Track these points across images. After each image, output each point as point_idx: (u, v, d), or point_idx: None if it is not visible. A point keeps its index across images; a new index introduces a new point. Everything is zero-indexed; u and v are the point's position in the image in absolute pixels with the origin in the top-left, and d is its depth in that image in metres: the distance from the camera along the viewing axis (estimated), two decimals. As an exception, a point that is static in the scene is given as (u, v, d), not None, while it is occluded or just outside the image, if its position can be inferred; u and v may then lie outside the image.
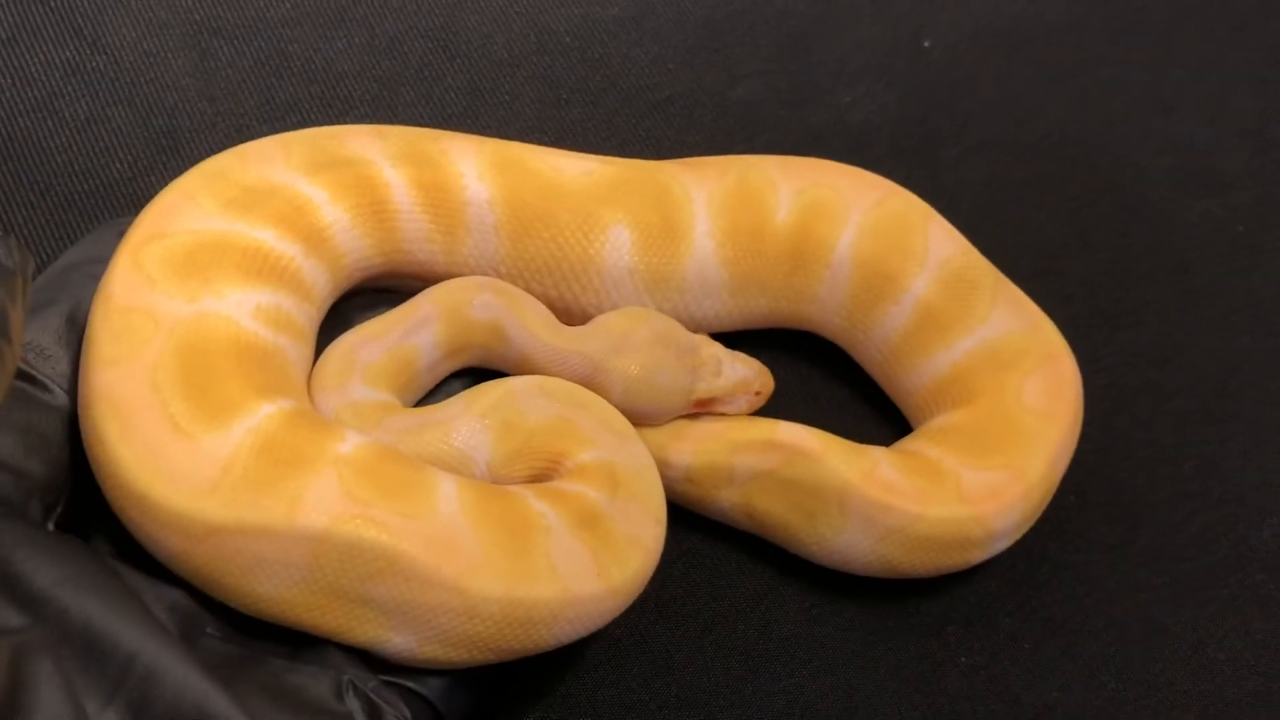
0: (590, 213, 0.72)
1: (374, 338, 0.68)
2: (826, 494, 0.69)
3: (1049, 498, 0.72)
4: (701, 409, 0.73)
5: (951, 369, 0.74)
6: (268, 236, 0.65)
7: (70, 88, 0.83)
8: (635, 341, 0.70)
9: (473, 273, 0.73)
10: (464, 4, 0.88)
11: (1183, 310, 0.85)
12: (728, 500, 0.72)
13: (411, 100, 0.86)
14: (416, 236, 0.72)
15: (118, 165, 0.81)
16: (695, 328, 0.76)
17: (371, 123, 0.84)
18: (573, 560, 0.58)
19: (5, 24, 0.83)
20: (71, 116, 0.82)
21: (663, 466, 0.70)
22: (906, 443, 0.74)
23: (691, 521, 0.74)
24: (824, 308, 0.78)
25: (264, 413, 0.58)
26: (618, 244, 0.73)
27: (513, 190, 0.71)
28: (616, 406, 0.70)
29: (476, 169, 0.71)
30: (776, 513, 0.71)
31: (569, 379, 0.69)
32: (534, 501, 0.60)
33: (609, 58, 0.88)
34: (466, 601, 0.56)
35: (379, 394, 0.66)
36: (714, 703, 0.70)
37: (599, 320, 0.72)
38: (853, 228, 0.75)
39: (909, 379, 0.76)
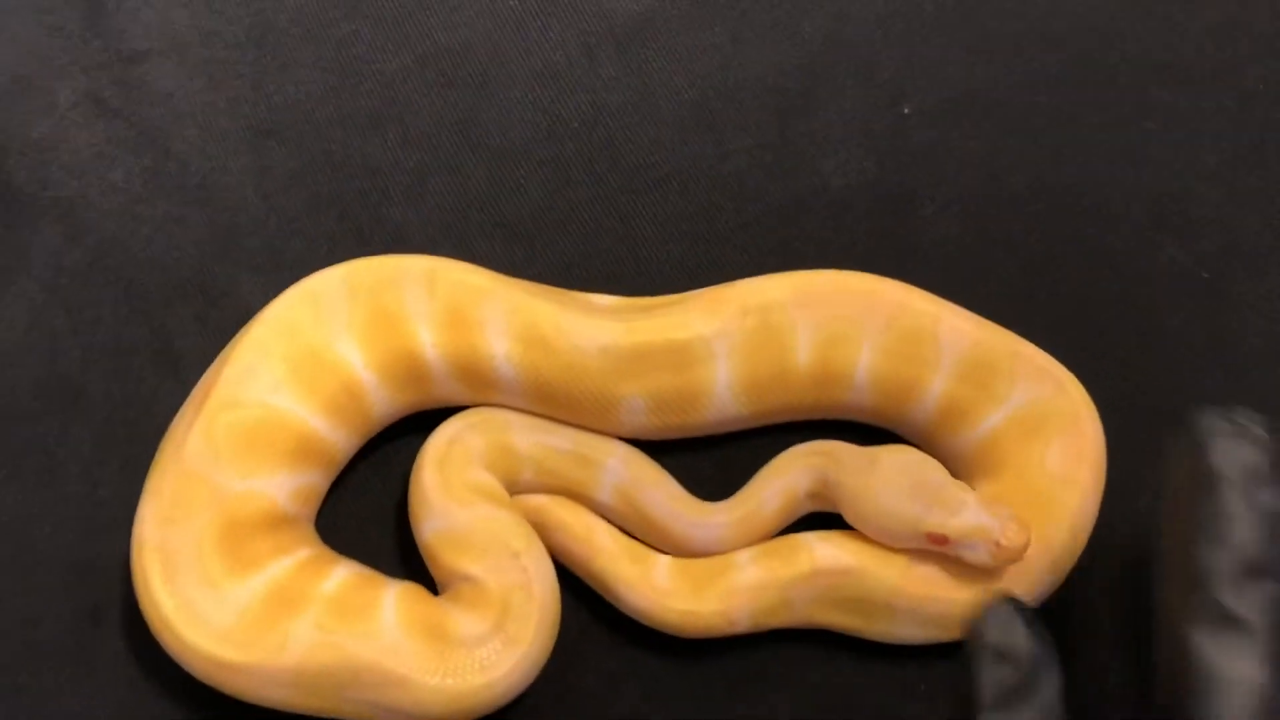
0: (607, 390, 0.80)
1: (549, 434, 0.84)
2: (876, 601, 0.77)
3: (1076, 557, 0.78)
4: (936, 545, 0.75)
5: (978, 445, 0.80)
6: (321, 426, 0.79)
7: (148, 192, 0.96)
8: (880, 465, 0.78)
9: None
10: (484, 99, 0.98)
11: (1145, 355, 0.90)
12: (793, 621, 0.80)
13: (439, 189, 0.96)
14: (450, 395, 0.84)
15: (189, 260, 0.94)
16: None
17: (404, 211, 0.95)
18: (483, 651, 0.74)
19: (95, 139, 0.97)
20: (150, 218, 0.95)
21: (728, 626, 0.79)
22: None
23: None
24: (851, 413, 0.85)
25: (280, 565, 0.76)
26: (633, 412, 0.81)
27: (536, 372, 0.80)
28: (856, 523, 0.79)
29: (506, 347, 0.80)
30: (836, 621, 0.79)
31: (805, 492, 0.81)
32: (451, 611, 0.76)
33: (612, 140, 0.97)
34: (415, 693, 0.72)
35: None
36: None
37: (856, 447, 0.81)
38: (867, 353, 0.81)
39: (942, 453, 0.83)
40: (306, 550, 0.79)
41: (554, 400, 0.82)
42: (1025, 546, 0.72)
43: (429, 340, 0.81)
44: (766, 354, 0.81)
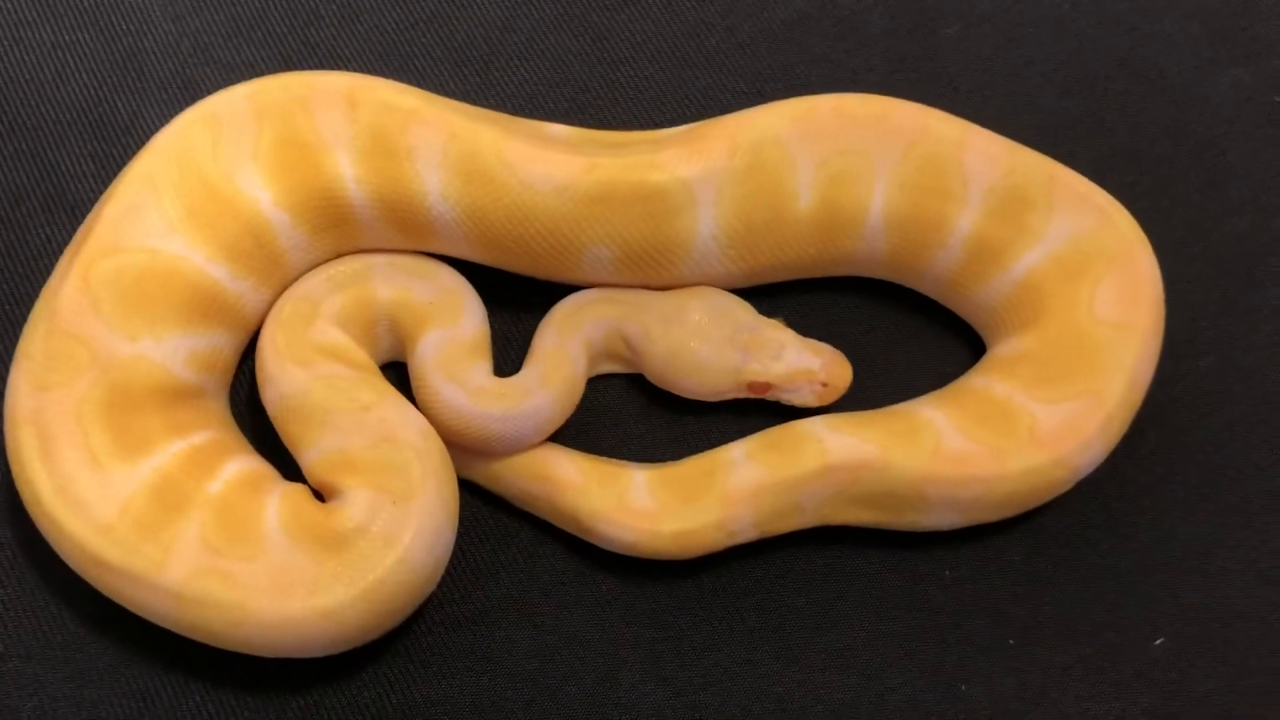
0: (564, 237, 0.67)
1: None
2: (903, 493, 0.66)
3: (1133, 416, 0.66)
4: (757, 393, 0.69)
5: (1014, 289, 0.69)
6: (221, 275, 0.67)
7: (35, 14, 0.82)
8: (687, 314, 0.69)
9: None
10: (430, -100, 0.84)
11: (1207, 191, 0.77)
12: (804, 524, 0.68)
13: (376, 7, 0.82)
14: (380, 239, 0.71)
15: (84, 91, 0.80)
16: None
17: (337, 33, 0.81)
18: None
19: (-31, -49, 0.82)
20: (37, 43, 0.81)
21: (729, 539, 0.67)
22: (974, 376, 0.69)
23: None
24: (860, 266, 0.73)
25: (171, 451, 0.65)
26: (597, 263, 0.69)
27: (481, 213, 0.67)
28: (659, 379, 0.70)
29: (441, 181, 0.67)
30: (857, 518, 0.68)
31: (601, 349, 0.71)
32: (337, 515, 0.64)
33: (582, -53, 0.83)
34: (321, 612, 0.61)
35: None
36: (683, 617, 0.69)
37: (657, 293, 0.71)
38: (881, 189, 0.69)
39: (970, 305, 0.72)
40: (203, 434, 0.67)
41: (502, 247, 0.69)
42: (849, 382, 0.69)
43: (350, 173, 0.68)
44: (760, 199, 0.68)
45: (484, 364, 0.70)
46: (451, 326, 0.69)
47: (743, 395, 0.70)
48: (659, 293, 0.71)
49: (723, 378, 0.69)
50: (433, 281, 0.71)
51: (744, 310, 0.70)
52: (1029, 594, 0.69)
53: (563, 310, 0.71)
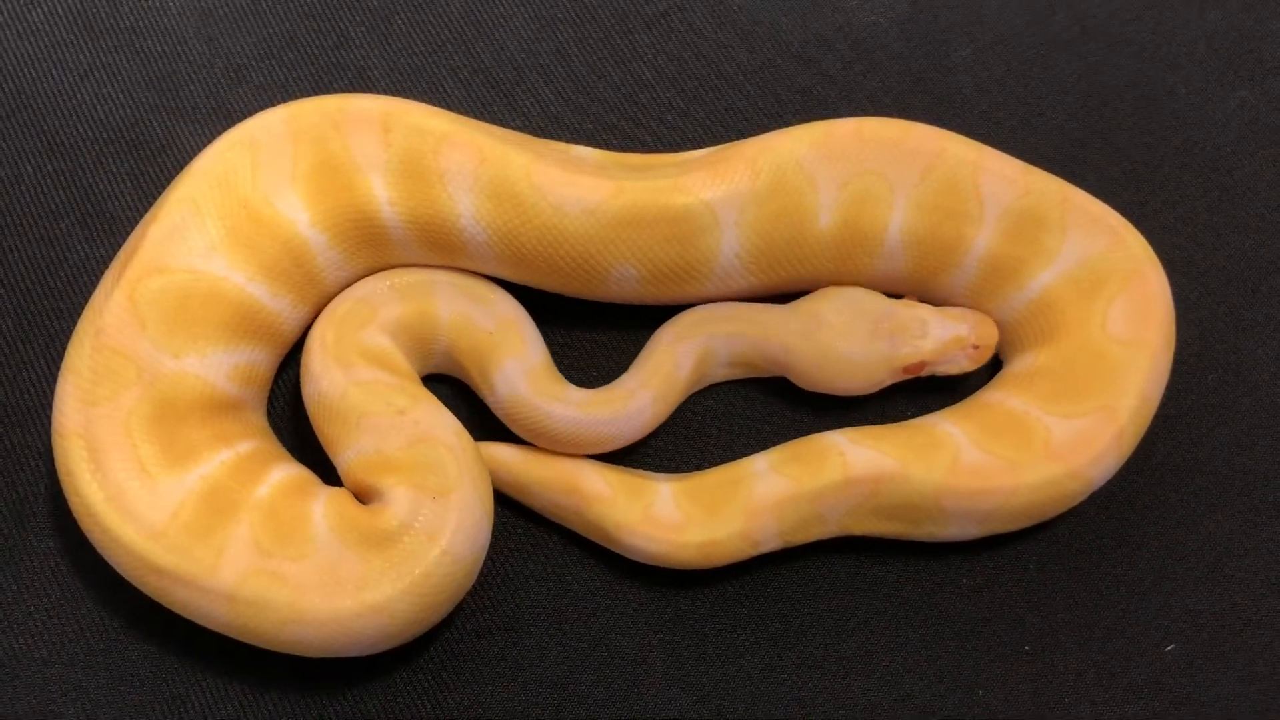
0: (592, 257, 0.70)
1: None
2: (923, 504, 0.67)
3: (1144, 430, 0.69)
4: (914, 374, 0.71)
5: (1029, 307, 0.71)
6: (260, 293, 0.69)
7: (73, 36, 0.84)
8: (823, 318, 0.70)
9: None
10: (456, -75, 0.86)
11: (1213, 211, 0.80)
12: (826, 534, 0.70)
13: (405, 29, 0.85)
14: (413, 258, 0.73)
15: (121, 111, 0.82)
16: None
17: (366, 54, 0.83)
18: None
19: (8, -25, 0.84)
20: (75, 64, 0.83)
21: (753, 549, 0.69)
22: (990, 391, 0.72)
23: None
24: (879, 283, 0.75)
25: (219, 459, 0.67)
26: (624, 281, 0.71)
27: (511, 234, 0.69)
28: (812, 384, 0.72)
29: (473, 204, 0.69)
30: (876, 529, 0.70)
31: (726, 360, 0.73)
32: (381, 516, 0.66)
33: (604, -28, 0.85)
34: (371, 607, 0.63)
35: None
36: (708, 625, 0.71)
37: (789, 305, 0.72)
38: (900, 211, 0.71)
39: None
40: (247, 443, 0.69)
41: (531, 266, 0.71)
42: (997, 339, 0.71)
43: (384, 196, 0.70)
44: (782, 219, 0.70)
45: (565, 382, 0.72)
46: (522, 357, 0.71)
47: (900, 379, 0.72)
48: (783, 306, 0.73)
49: (877, 369, 0.70)
50: (492, 310, 0.73)
51: (874, 299, 0.72)
52: (1044, 602, 0.71)
53: (686, 319, 0.73)
